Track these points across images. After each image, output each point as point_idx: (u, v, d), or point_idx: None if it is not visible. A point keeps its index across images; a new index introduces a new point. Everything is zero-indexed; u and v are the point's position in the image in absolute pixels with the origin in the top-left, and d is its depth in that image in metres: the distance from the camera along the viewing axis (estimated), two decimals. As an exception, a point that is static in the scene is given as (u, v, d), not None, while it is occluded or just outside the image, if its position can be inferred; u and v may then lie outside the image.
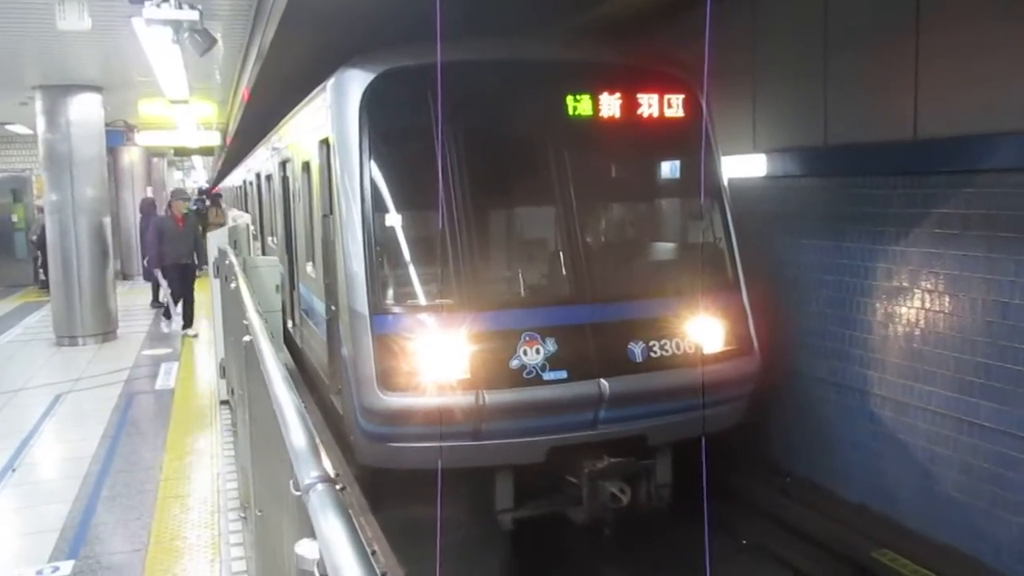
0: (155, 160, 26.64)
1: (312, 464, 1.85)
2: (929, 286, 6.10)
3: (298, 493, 1.80)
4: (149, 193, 21.18)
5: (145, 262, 13.73)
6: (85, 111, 12.07)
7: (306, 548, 1.63)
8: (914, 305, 6.24)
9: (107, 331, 12.43)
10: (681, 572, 6.25)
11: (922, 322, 6.17)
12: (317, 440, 2.03)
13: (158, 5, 6.34)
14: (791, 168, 7.40)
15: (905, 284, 6.31)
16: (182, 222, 12.69)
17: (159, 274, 13.41)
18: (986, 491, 5.72)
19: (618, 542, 6.30)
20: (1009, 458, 5.54)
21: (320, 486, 1.71)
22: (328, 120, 6.58)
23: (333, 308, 6.94)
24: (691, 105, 6.72)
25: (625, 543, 6.37)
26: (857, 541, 6.39)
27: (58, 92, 11.82)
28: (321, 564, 1.52)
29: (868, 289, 6.66)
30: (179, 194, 14.06)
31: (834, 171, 6.94)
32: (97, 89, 12.11)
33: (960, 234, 5.80)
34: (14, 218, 20.23)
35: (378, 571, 1.34)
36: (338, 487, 1.73)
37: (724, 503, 6.71)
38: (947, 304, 5.95)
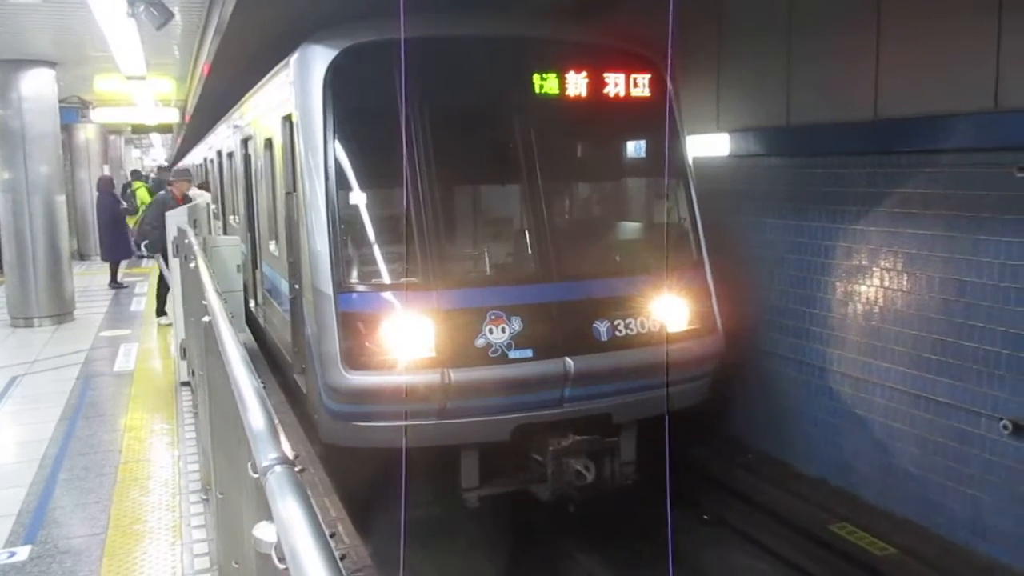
0: (112, 138, 26.04)
1: (270, 446, 1.82)
2: (888, 265, 6.19)
3: (256, 475, 1.77)
4: (106, 171, 20.69)
5: (143, 246, 12.83)
6: (38, 87, 11.72)
7: (264, 531, 1.60)
8: (873, 283, 6.33)
9: (64, 312, 12.17)
10: (645, 547, 6.34)
11: (881, 300, 6.27)
12: (276, 421, 2.00)
13: (112, -24, 6.15)
14: (754, 147, 7.45)
15: (865, 263, 6.40)
16: (182, 202, 12.10)
17: (160, 259, 12.62)
18: (941, 465, 5.86)
19: (583, 519, 6.36)
20: (963, 432, 5.67)
21: (278, 468, 1.68)
22: (291, 96, 6.47)
23: (297, 287, 6.86)
24: (657, 84, 6.72)
25: (590, 519, 6.43)
26: (817, 515, 6.52)
27: (9, 67, 11.46)
28: (279, 547, 1.49)
29: (829, 268, 6.74)
30: (182, 174, 13.08)
31: (796, 151, 7.00)
32: (50, 64, 11.76)
33: (919, 213, 5.88)
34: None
35: (336, 553, 1.32)
36: (297, 469, 1.70)
37: (687, 479, 6.82)
38: (905, 282, 6.05)
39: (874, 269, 6.32)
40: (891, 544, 6.00)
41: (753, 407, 7.71)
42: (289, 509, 1.49)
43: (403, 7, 3.75)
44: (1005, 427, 5.33)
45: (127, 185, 19.21)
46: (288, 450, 1.80)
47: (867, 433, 6.48)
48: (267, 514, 1.63)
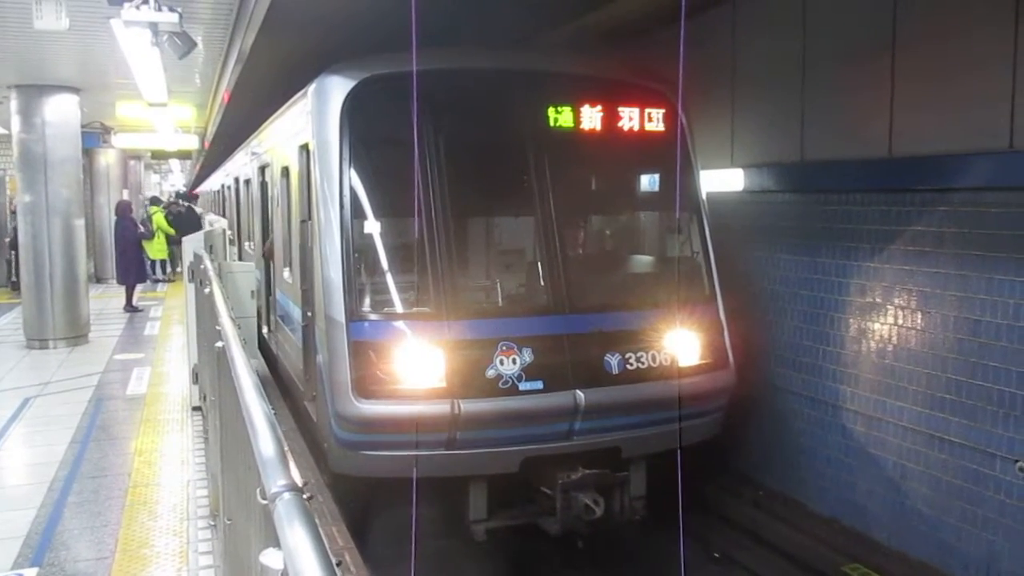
0: (132, 163, 26.38)
1: (279, 472, 1.82)
2: (902, 302, 6.16)
3: (265, 502, 1.78)
4: (125, 195, 20.94)
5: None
6: (61, 112, 11.91)
7: (271, 558, 1.61)
8: (887, 321, 6.30)
9: (79, 335, 12.24)
10: (654, 584, 6.26)
11: (895, 338, 6.23)
12: (285, 448, 2.01)
13: (137, 7, 6.27)
14: (768, 183, 7.46)
15: (878, 300, 6.37)
16: None
17: None
18: (956, 507, 5.78)
19: (591, 553, 6.29)
20: (978, 474, 5.59)
21: (287, 495, 1.68)
22: (309, 125, 6.56)
23: (309, 314, 6.89)
24: (671, 119, 6.77)
25: (598, 554, 6.36)
26: (828, 555, 6.43)
27: (34, 92, 11.65)
28: (285, 574, 1.49)
29: (842, 304, 6.71)
30: None
31: (810, 187, 7.01)
32: (74, 90, 11.97)
33: (933, 251, 5.87)
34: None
35: (342, 582, 1.32)
36: (305, 496, 1.71)
37: (697, 515, 6.75)
38: (919, 321, 6.02)
39: (888, 307, 6.29)
40: (904, 586, 5.91)
41: (764, 443, 7.63)
42: (297, 536, 1.49)
43: (415, 39, 3.80)
44: (1021, 469, 5.26)
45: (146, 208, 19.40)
46: (297, 477, 1.80)
47: (880, 472, 6.40)
48: (274, 541, 1.63)
